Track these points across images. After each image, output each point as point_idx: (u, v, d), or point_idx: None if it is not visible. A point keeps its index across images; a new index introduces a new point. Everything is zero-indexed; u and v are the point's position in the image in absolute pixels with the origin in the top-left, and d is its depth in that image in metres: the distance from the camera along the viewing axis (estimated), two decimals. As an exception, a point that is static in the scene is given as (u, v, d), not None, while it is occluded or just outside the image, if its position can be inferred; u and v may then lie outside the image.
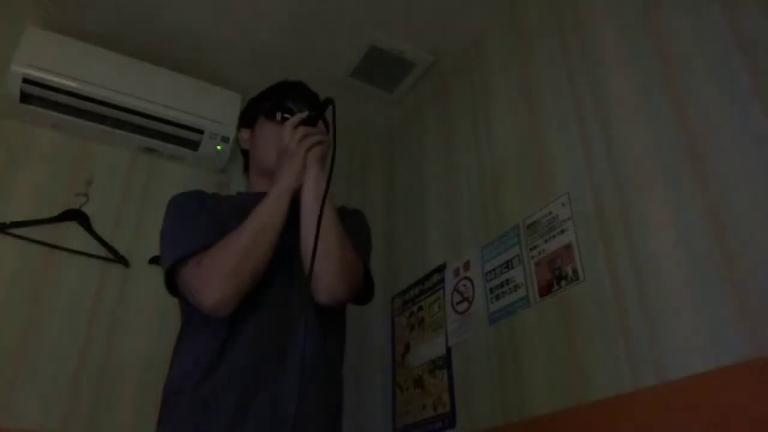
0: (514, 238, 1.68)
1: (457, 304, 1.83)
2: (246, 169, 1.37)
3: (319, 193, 1.08)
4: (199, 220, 1.13)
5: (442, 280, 1.95)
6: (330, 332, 1.15)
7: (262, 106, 1.32)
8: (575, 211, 1.50)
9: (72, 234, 1.92)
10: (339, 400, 1.14)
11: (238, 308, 1.03)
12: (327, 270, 1.05)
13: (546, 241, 1.56)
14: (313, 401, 1.04)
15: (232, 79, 2.25)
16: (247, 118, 1.36)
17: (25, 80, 1.87)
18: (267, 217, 1.08)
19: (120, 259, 1.95)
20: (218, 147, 2.14)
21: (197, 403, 1.00)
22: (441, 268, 1.97)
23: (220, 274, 1.01)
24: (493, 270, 1.72)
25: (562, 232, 1.52)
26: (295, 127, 1.15)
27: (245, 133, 1.35)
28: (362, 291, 1.18)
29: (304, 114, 1.18)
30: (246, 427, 0.98)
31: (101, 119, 2.01)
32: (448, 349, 1.80)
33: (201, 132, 2.10)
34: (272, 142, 1.21)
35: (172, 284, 1.10)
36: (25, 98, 1.90)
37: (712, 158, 1.22)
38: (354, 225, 1.23)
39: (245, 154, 1.36)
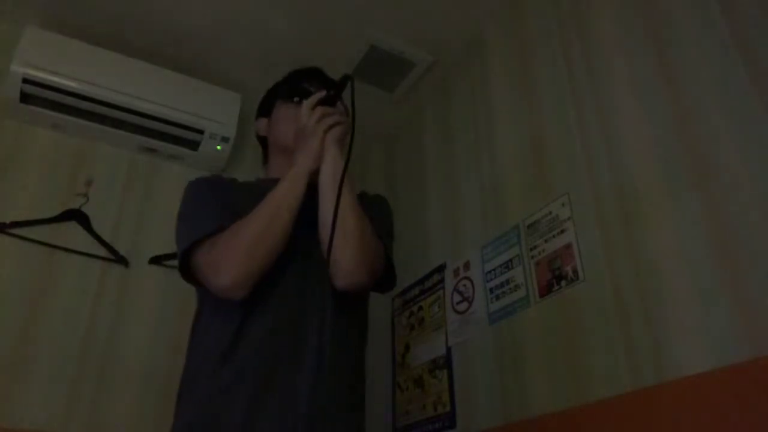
0: (514, 238, 1.68)
1: (457, 304, 1.83)
2: (265, 160, 1.33)
3: (337, 173, 1.04)
4: (214, 204, 1.10)
5: (442, 280, 1.95)
6: (350, 320, 1.10)
7: (279, 91, 1.30)
8: (575, 211, 1.50)
9: (72, 234, 1.92)
10: (360, 389, 1.10)
11: (255, 294, 1.00)
12: (345, 252, 1.01)
13: (546, 241, 1.56)
14: (332, 389, 1.00)
15: (232, 79, 2.25)
16: (264, 108, 1.33)
17: (25, 80, 1.87)
18: (283, 198, 1.05)
19: (120, 259, 1.94)
20: (218, 147, 2.14)
21: (215, 389, 0.98)
22: (441, 268, 1.97)
23: (234, 256, 0.98)
24: (493, 270, 1.72)
25: (562, 232, 1.52)
26: (313, 107, 1.12)
27: (262, 122, 1.31)
28: (383, 278, 1.14)
29: (322, 93, 1.14)
30: (264, 413, 0.95)
31: (101, 119, 2.01)
32: (448, 349, 1.80)
33: (201, 132, 2.10)
34: (290, 123, 1.18)
35: (187, 269, 1.07)
36: (25, 98, 1.90)
37: (712, 158, 1.22)
38: (376, 210, 1.19)
39: (263, 143, 1.33)
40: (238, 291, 0.99)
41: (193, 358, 1.06)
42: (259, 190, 1.11)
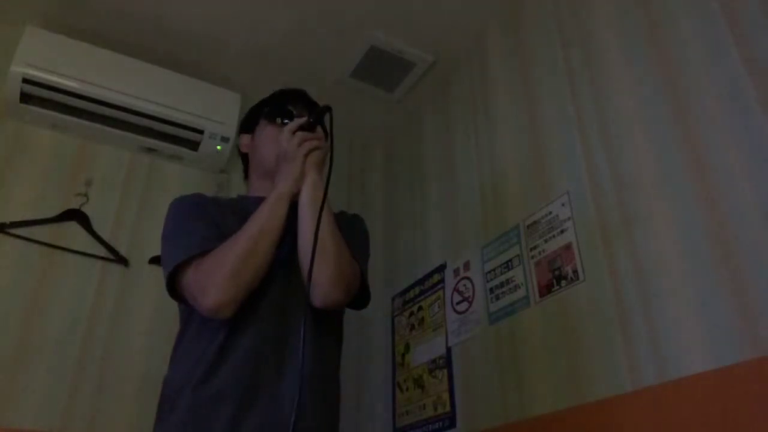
0: (514, 238, 1.68)
1: (457, 304, 1.83)
2: (246, 174, 1.38)
3: (316, 197, 1.10)
4: (199, 224, 1.14)
5: (442, 280, 1.95)
6: (328, 336, 1.16)
7: (263, 111, 1.34)
8: (575, 211, 1.51)
9: (72, 234, 1.92)
10: (336, 405, 1.15)
11: (240, 309, 1.05)
12: (322, 273, 1.06)
13: (546, 241, 1.56)
14: (312, 405, 1.05)
15: (232, 79, 2.25)
16: (248, 124, 1.38)
17: (25, 80, 1.86)
18: (265, 221, 1.09)
19: (120, 259, 1.95)
20: (218, 147, 2.14)
21: (197, 404, 1.01)
22: (441, 268, 1.97)
23: (220, 278, 1.02)
24: (493, 270, 1.72)
25: (562, 232, 1.52)
26: (294, 132, 1.17)
27: (245, 138, 1.36)
28: (358, 296, 1.19)
29: (303, 120, 1.20)
30: (251, 416, 1.00)
31: (101, 119, 2.01)
32: (448, 349, 1.80)
33: (201, 132, 2.10)
34: (272, 144, 1.23)
35: (173, 288, 1.11)
36: (25, 98, 1.90)
37: (712, 158, 1.22)
38: (352, 230, 1.24)
39: (245, 159, 1.38)
40: (225, 311, 1.03)
41: (178, 371, 1.09)
42: (243, 208, 1.18)
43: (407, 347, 2.01)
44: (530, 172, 1.71)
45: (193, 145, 2.14)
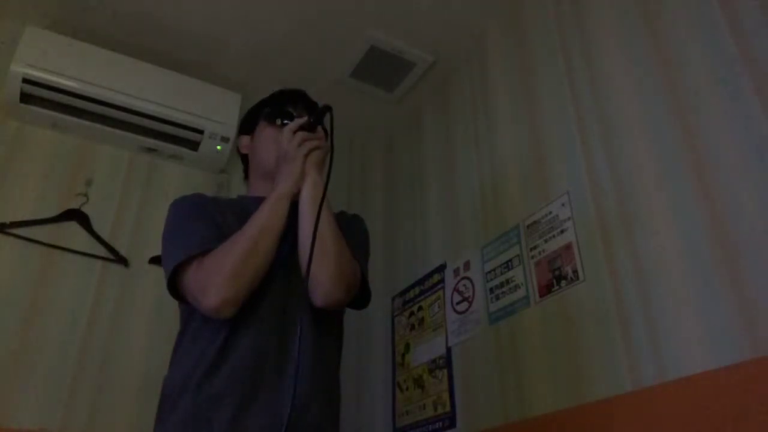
0: (514, 238, 1.68)
1: (457, 304, 1.83)
2: (246, 175, 1.38)
3: (316, 197, 1.11)
4: (199, 224, 1.14)
5: (442, 280, 1.95)
6: (328, 336, 1.17)
7: (262, 112, 1.34)
8: (575, 211, 1.51)
9: (72, 234, 1.92)
10: (337, 404, 1.15)
11: (240, 309, 1.05)
12: (323, 272, 1.06)
13: (546, 241, 1.56)
14: (312, 404, 1.05)
15: (232, 79, 2.25)
16: (247, 125, 1.38)
17: (25, 80, 1.86)
18: (266, 221, 1.10)
19: (120, 259, 1.94)
20: (218, 147, 2.14)
21: (198, 404, 1.02)
22: (441, 268, 1.97)
23: (220, 278, 1.02)
24: (493, 270, 1.72)
25: (562, 232, 1.52)
26: (294, 132, 1.17)
27: (245, 139, 1.37)
28: (359, 296, 1.19)
29: (303, 120, 1.20)
30: (251, 414, 1.00)
31: (101, 119, 2.01)
32: (448, 349, 1.80)
33: (201, 132, 2.10)
34: (272, 145, 1.23)
35: (174, 288, 1.11)
36: (25, 98, 1.90)
37: (712, 158, 1.22)
38: (352, 230, 1.25)
39: (245, 160, 1.38)
40: (226, 311, 1.04)
41: (179, 371, 1.09)
42: (243, 208, 1.19)
43: (407, 347, 2.01)
44: (530, 172, 1.71)
45: (193, 145, 2.14)
